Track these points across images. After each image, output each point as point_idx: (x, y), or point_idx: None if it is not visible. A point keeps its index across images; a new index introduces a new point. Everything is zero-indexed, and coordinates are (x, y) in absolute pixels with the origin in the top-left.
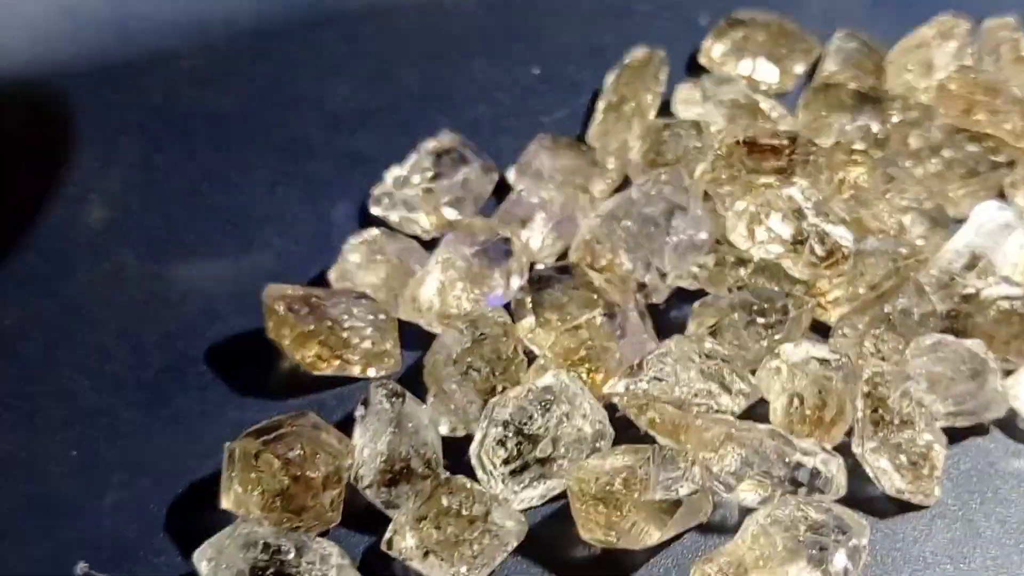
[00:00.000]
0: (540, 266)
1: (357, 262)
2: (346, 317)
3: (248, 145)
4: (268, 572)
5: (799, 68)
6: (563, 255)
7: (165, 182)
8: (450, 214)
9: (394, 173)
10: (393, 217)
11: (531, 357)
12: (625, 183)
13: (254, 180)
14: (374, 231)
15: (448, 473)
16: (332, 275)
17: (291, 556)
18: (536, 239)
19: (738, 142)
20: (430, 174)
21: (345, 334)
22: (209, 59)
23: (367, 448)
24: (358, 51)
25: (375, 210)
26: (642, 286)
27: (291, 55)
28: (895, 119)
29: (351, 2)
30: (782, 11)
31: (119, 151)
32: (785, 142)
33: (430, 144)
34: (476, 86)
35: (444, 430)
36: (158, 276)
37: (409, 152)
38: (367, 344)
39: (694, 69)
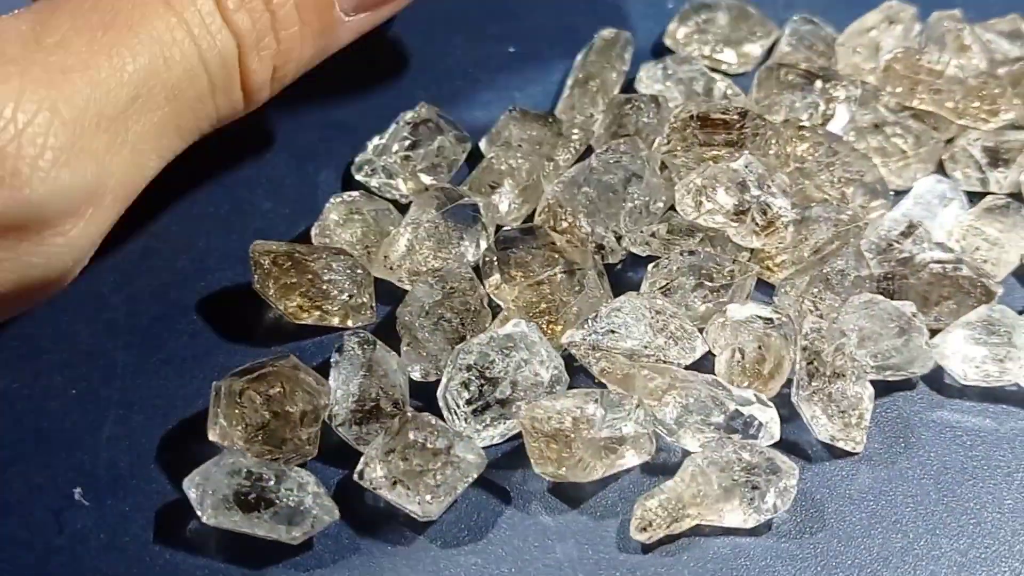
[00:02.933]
0: (507, 228)
1: (336, 220)
2: (326, 271)
3: None
4: (250, 497)
5: (757, 50)
6: (529, 218)
7: None
8: (426, 179)
9: (375, 142)
10: (374, 183)
11: (496, 311)
12: (588, 153)
13: (245, 146)
14: (354, 193)
15: (414, 411)
16: (314, 231)
17: (271, 483)
18: (504, 203)
19: (692, 116)
20: (408, 143)
21: (325, 287)
22: None
23: (340, 390)
24: None
25: (358, 176)
26: (600, 247)
27: None
28: (841, 97)
29: None
30: None
31: None
32: (736, 117)
33: (408, 115)
34: (455, 62)
35: (417, 375)
36: (153, 232)
37: (390, 123)
38: (345, 296)
39: (660, 50)
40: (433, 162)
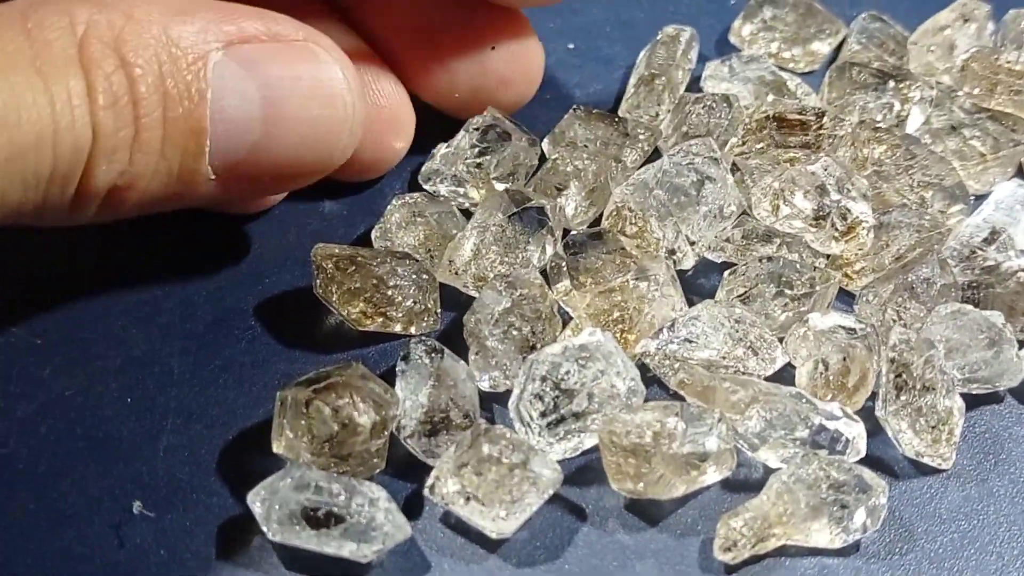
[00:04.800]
0: (574, 232)
1: (398, 222)
2: (391, 276)
3: None
4: (319, 513)
5: (825, 48)
6: (595, 221)
7: None
8: (500, 188)
9: (442, 151)
10: (443, 191)
11: (566, 318)
12: (655, 154)
13: None
14: (416, 194)
15: (487, 423)
16: (374, 234)
17: (341, 498)
18: (570, 206)
19: (768, 116)
20: (477, 150)
21: (390, 292)
22: None
23: (408, 400)
24: None
25: (426, 187)
26: (671, 252)
27: None
28: (916, 97)
29: None
30: None
31: None
32: (812, 118)
33: (475, 120)
34: None
35: (485, 386)
36: (206, 233)
37: (448, 120)
38: (410, 302)
39: (724, 48)
40: (508, 170)
